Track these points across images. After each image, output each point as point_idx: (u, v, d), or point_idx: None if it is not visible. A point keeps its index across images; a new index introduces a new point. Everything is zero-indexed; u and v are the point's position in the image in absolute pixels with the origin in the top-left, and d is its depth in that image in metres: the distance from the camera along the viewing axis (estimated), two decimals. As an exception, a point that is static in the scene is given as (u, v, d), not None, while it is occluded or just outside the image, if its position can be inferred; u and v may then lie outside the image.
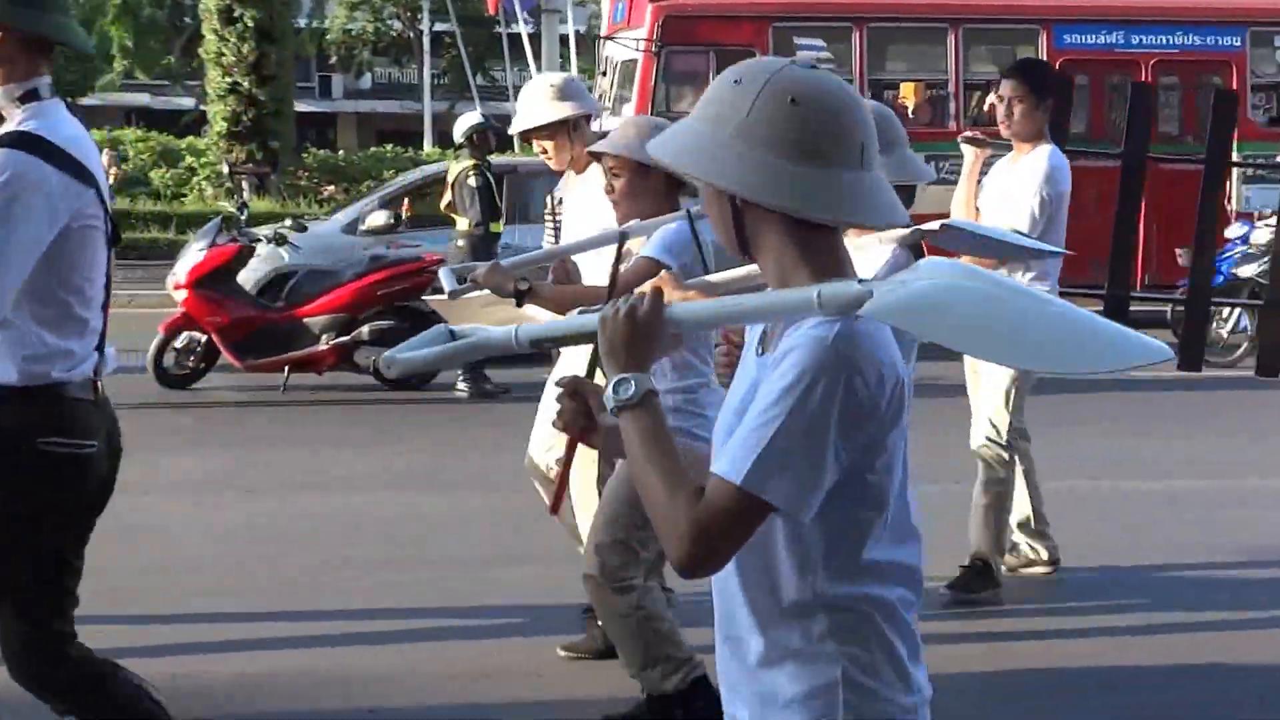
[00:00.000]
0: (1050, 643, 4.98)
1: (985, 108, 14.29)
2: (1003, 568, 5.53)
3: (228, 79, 22.95)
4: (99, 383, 3.23)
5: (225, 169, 17.67)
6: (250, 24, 22.69)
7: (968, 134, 5.98)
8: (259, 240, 10.42)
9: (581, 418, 1.87)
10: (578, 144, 4.71)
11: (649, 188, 3.69)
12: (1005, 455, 5.40)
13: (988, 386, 5.50)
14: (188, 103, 35.41)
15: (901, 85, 14.57)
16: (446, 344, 1.91)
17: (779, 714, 1.77)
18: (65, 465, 3.14)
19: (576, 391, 1.88)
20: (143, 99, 37.70)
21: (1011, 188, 5.44)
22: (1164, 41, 14.38)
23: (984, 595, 5.36)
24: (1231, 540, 6.03)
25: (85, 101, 34.95)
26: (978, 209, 5.60)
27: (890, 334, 1.70)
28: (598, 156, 3.94)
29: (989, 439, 5.40)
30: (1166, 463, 7.67)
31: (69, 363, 3.12)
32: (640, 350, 1.72)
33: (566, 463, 2.15)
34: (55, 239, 3.03)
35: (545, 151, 4.86)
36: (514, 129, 5.18)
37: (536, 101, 4.75)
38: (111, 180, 9.92)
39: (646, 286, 3.79)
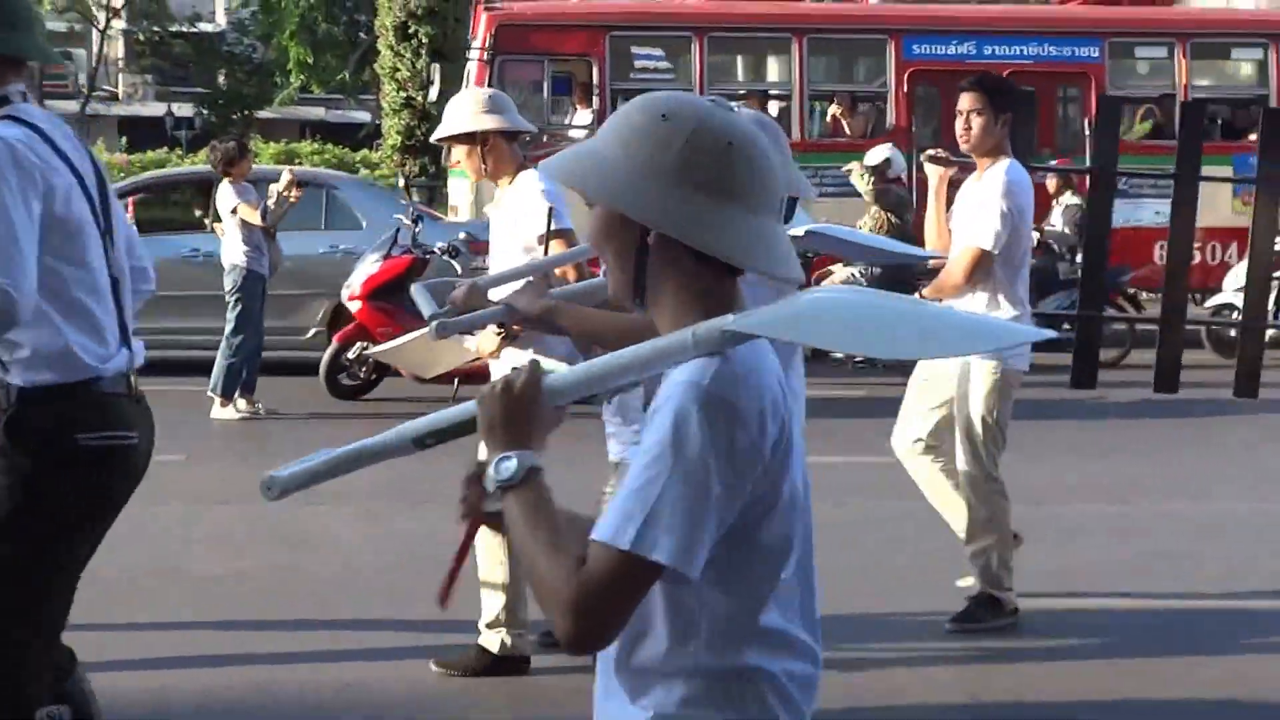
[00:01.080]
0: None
1: (828, 118, 14.41)
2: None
3: (402, 94, 23.47)
4: (132, 378, 3.35)
5: (400, 182, 17.21)
6: (425, 40, 23.19)
7: (930, 152, 6.05)
8: (433, 252, 10.32)
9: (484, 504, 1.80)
10: (492, 158, 4.85)
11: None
12: (986, 487, 5.53)
13: (963, 425, 5.57)
14: (363, 117, 36.20)
15: (738, 105, 14.38)
16: (326, 457, 1.88)
17: None
18: (103, 456, 3.26)
19: (479, 477, 1.81)
20: (318, 113, 38.19)
21: (974, 205, 5.50)
22: (1019, 52, 14.19)
23: (982, 628, 5.52)
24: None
25: (263, 114, 35.72)
26: (950, 230, 5.66)
27: (771, 376, 1.69)
28: None
29: (969, 475, 5.50)
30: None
31: (91, 360, 3.21)
32: (520, 426, 1.71)
33: (461, 553, 1.87)
34: (49, 230, 3.12)
35: (458, 162, 5.24)
36: (435, 136, 5.38)
37: (461, 112, 4.93)
38: (293, 199, 9.78)
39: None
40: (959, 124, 5.49)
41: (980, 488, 5.49)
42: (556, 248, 4.75)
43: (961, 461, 5.45)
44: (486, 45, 13.34)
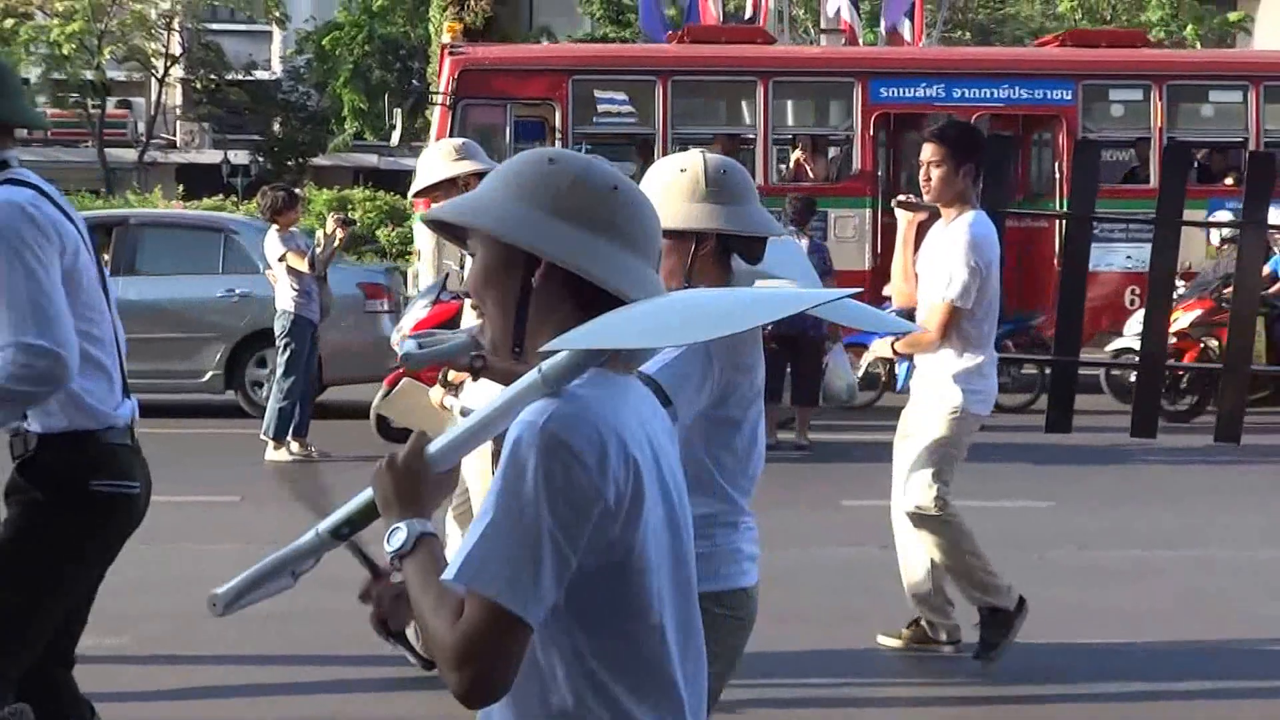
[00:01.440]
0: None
1: (791, 164, 14.39)
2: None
3: (450, 141, 24.16)
4: (134, 429, 3.54)
5: None
6: None
7: (899, 198, 6.11)
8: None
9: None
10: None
11: (688, 252, 3.51)
12: (937, 517, 5.58)
13: (914, 455, 5.67)
14: (414, 164, 38.05)
15: (701, 149, 14.58)
16: (256, 566, 1.98)
17: None
18: (112, 504, 3.43)
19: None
20: (371, 160, 38.98)
21: (940, 255, 5.58)
22: (989, 95, 14.25)
23: (1006, 641, 5.57)
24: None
25: (318, 161, 36.83)
26: (916, 274, 5.73)
27: (626, 418, 1.71)
28: None
29: (919, 508, 5.56)
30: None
31: (106, 408, 3.36)
32: (408, 496, 1.77)
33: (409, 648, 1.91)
34: (65, 285, 3.25)
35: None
36: (411, 191, 5.60)
37: (435, 162, 5.19)
38: (338, 240, 10.22)
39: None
40: (921, 174, 5.51)
41: (930, 521, 5.57)
42: None
43: (911, 497, 5.54)
44: (450, 90, 13.52)
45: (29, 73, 29.69)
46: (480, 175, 5.01)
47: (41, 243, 3.21)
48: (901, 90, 14.21)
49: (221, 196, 26.23)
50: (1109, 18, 30.73)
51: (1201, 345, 11.99)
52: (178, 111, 35.67)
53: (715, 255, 3.08)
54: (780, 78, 14.11)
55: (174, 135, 36.31)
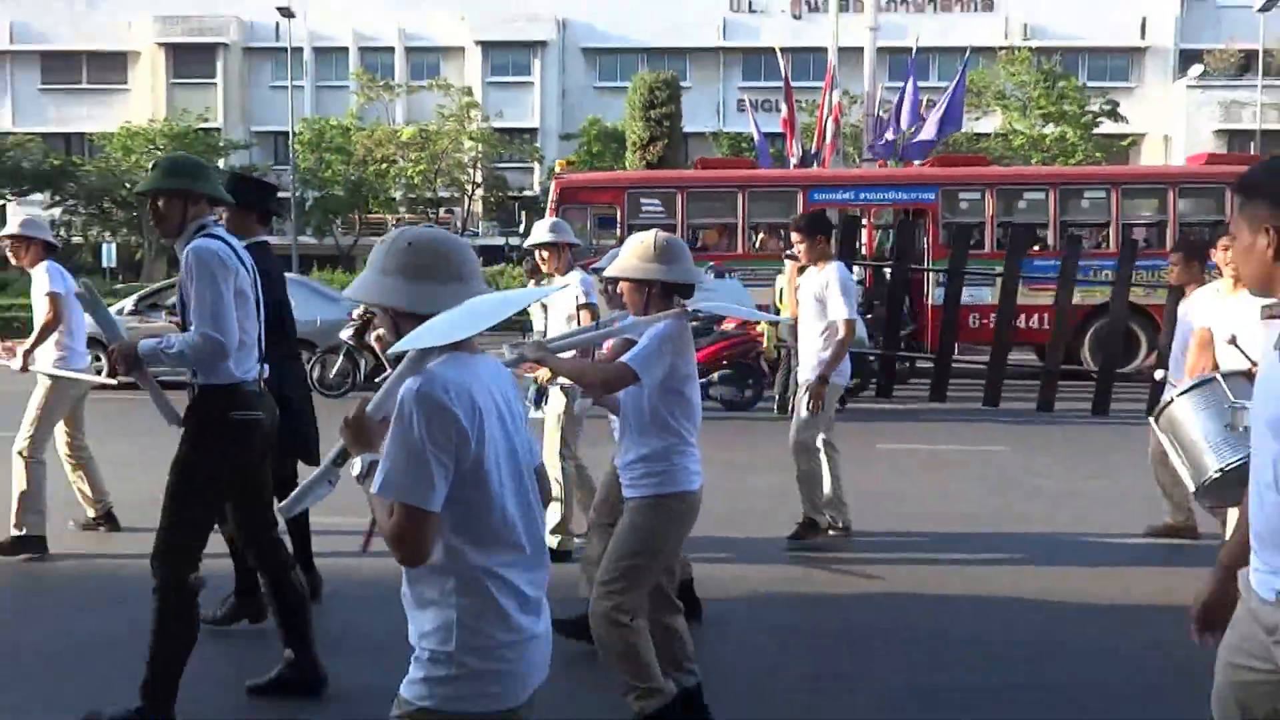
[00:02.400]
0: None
1: (757, 243, 17.49)
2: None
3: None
4: (262, 381, 4.22)
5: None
6: None
7: (788, 253, 7.30)
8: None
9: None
10: (562, 258, 6.21)
11: (645, 292, 3.83)
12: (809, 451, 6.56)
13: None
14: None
15: (703, 232, 17.85)
16: (302, 485, 2.42)
17: (422, 640, 2.23)
18: (245, 427, 4.08)
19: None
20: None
21: (816, 290, 6.53)
22: (883, 197, 17.74)
23: (817, 540, 6.50)
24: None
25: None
26: (798, 300, 6.76)
27: (473, 382, 2.17)
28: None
29: (795, 441, 6.53)
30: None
31: (240, 372, 4.10)
32: (361, 438, 2.20)
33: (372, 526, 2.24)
34: (235, 299, 3.99)
35: (543, 259, 6.35)
36: (528, 243, 6.50)
37: (543, 231, 6.28)
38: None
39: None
40: (794, 244, 6.82)
41: (800, 452, 6.59)
42: (585, 315, 5.91)
43: (791, 433, 6.60)
44: (555, 198, 17.15)
45: (395, 194, 38.45)
46: (568, 245, 6.24)
47: (224, 272, 3.92)
48: (829, 195, 17.42)
49: (503, 265, 31.89)
50: (1046, 146, 34.11)
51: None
52: (479, 215, 42.37)
53: (660, 294, 3.77)
54: (753, 188, 17.54)
55: (477, 229, 42.23)
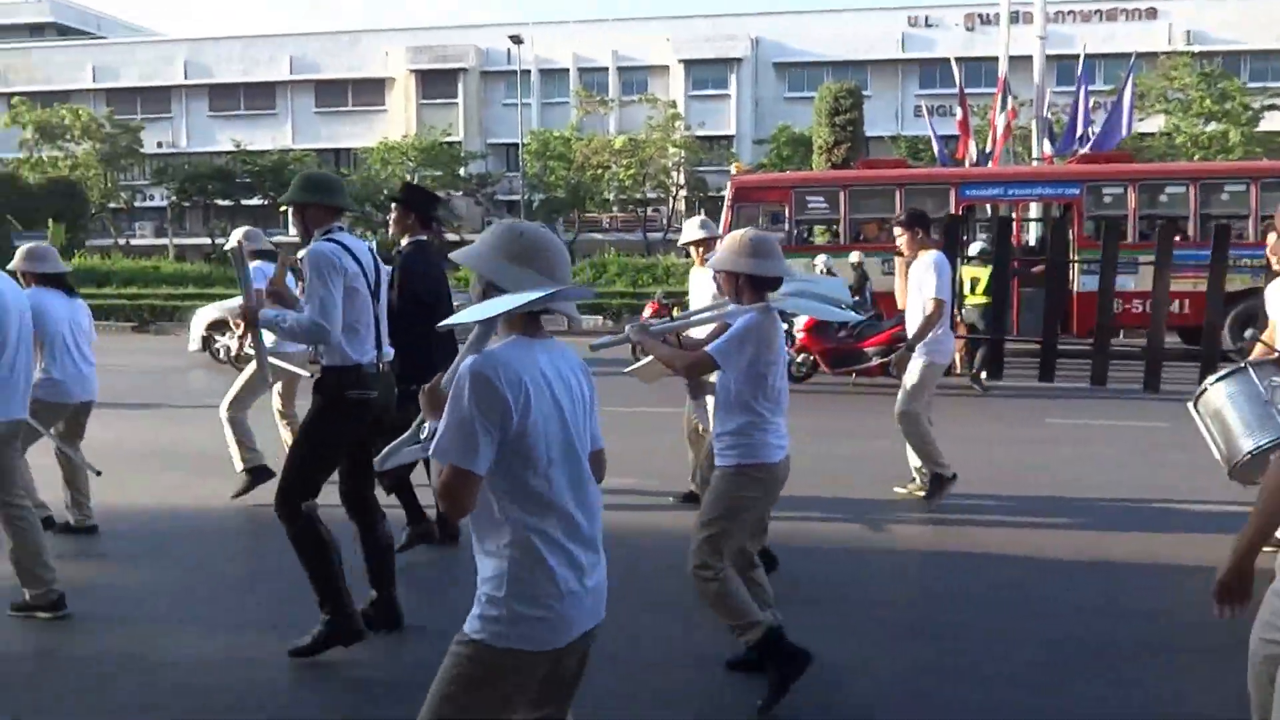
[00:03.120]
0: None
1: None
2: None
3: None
4: (381, 364, 4.34)
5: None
6: None
7: (899, 252, 6.91)
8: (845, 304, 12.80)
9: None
10: (710, 251, 6.00)
11: (735, 282, 3.86)
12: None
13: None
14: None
15: (864, 225, 17.58)
16: (393, 443, 2.57)
17: (482, 585, 2.30)
18: (361, 402, 4.20)
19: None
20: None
21: (916, 278, 6.50)
22: (1029, 192, 17.59)
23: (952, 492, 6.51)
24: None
25: None
26: (906, 288, 6.65)
27: (522, 364, 2.22)
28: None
29: (901, 413, 6.49)
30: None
31: (358, 354, 4.25)
32: (434, 407, 2.33)
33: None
34: (345, 293, 4.12)
35: (689, 253, 6.50)
36: (681, 241, 6.47)
37: (691, 227, 6.31)
38: None
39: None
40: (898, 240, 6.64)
41: (902, 417, 6.55)
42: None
43: (897, 401, 6.59)
44: (731, 197, 17.46)
45: (608, 195, 41.24)
46: (712, 240, 6.14)
47: (333, 271, 4.09)
48: (979, 191, 17.39)
49: None
50: (1206, 143, 33.00)
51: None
52: (681, 213, 44.07)
53: (748, 285, 3.79)
54: (909, 185, 17.06)
55: (679, 225, 43.58)
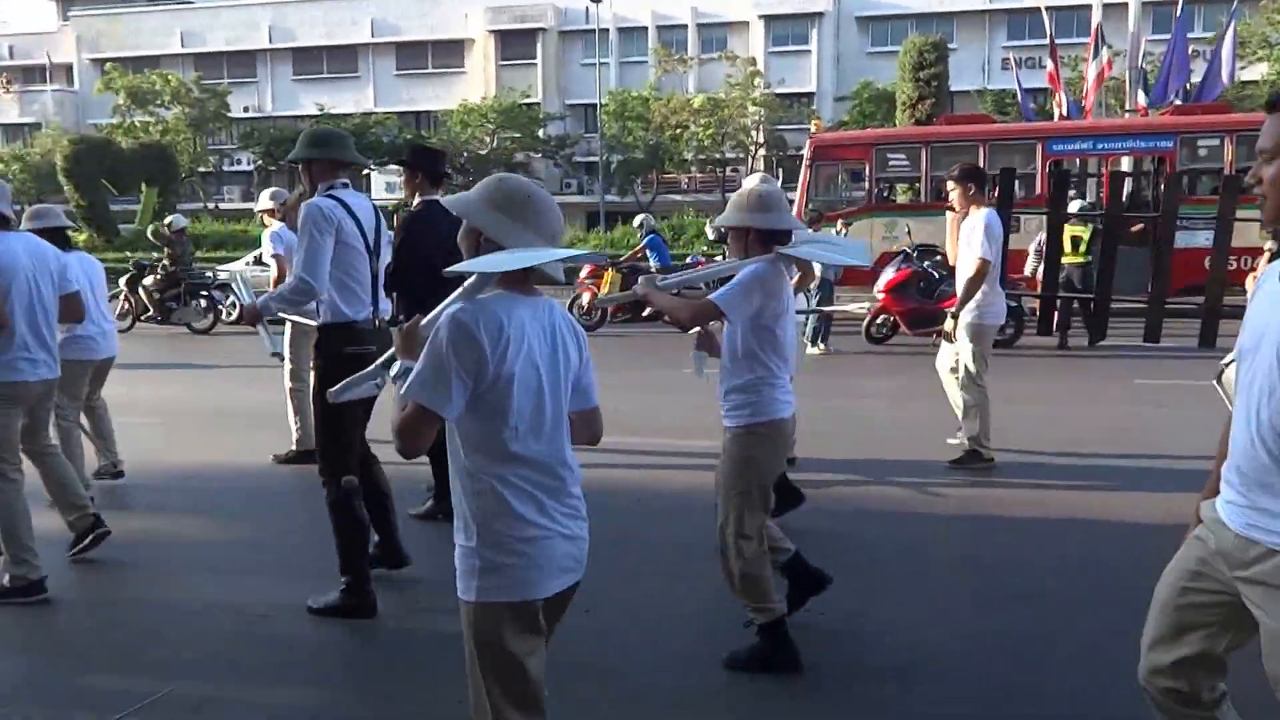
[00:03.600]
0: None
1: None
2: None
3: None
4: (377, 320, 4.41)
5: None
6: None
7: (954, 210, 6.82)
8: (925, 265, 12.83)
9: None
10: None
11: (744, 239, 3.83)
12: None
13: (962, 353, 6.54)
14: None
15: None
16: (353, 376, 2.77)
17: (456, 535, 2.37)
18: (357, 361, 4.00)
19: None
20: None
21: (967, 234, 6.48)
22: (1120, 145, 17.32)
23: (976, 467, 6.51)
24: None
25: None
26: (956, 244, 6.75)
27: (503, 315, 2.25)
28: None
29: (965, 376, 6.55)
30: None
31: (353, 311, 4.31)
32: (409, 347, 2.41)
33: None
34: (336, 249, 4.14)
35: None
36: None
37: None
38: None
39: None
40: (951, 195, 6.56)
41: (969, 386, 6.56)
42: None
43: (960, 370, 6.62)
44: (810, 156, 17.79)
45: (687, 155, 40.66)
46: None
47: (324, 226, 4.11)
48: (1068, 145, 17.35)
49: None
50: None
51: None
52: (761, 170, 44.51)
53: (757, 240, 3.76)
54: (993, 141, 17.34)
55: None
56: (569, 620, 2.53)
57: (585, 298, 14.63)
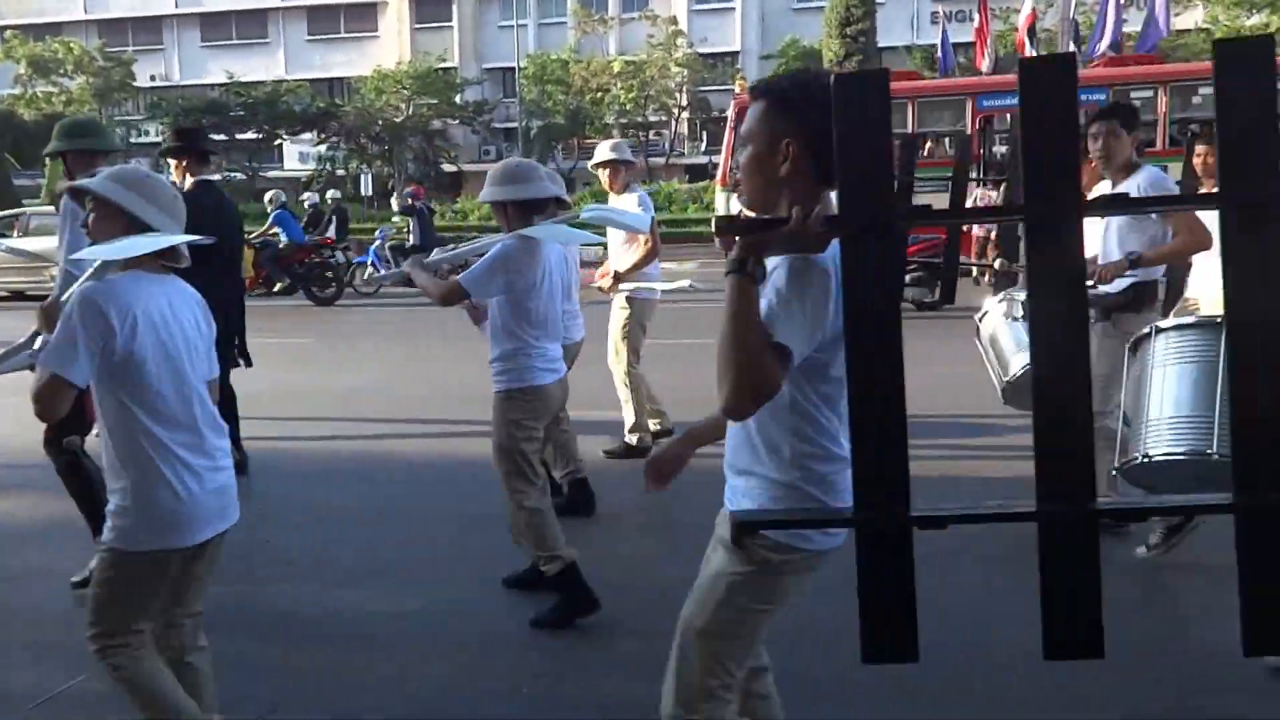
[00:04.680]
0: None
1: (925, 151, 16.46)
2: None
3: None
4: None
5: None
6: None
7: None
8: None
9: None
10: (620, 176, 6.12)
11: (503, 212, 3.91)
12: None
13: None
14: None
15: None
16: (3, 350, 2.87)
17: (111, 497, 2.58)
18: None
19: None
20: None
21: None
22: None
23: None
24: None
25: None
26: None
27: (132, 296, 2.48)
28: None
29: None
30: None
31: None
32: (49, 321, 2.73)
33: None
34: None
35: (605, 177, 6.15)
36: (591, 164, 6.37)
37: (603, 150, 6.20)
38: None
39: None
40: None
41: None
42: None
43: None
44: (733, 117, 16.89)
45: (609, 120, 39.86)
46: (626, 164, 6.11)
47: (81, 213, 3.40)
48: (1000, 101, 16.62)
49: (706, 181, 32.90)
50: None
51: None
52: (685, 136, 43.68)
53: (516, 213, 3.84)
54: (922, 98, 16.98)
55: (683, 149, 43.99)
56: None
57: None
